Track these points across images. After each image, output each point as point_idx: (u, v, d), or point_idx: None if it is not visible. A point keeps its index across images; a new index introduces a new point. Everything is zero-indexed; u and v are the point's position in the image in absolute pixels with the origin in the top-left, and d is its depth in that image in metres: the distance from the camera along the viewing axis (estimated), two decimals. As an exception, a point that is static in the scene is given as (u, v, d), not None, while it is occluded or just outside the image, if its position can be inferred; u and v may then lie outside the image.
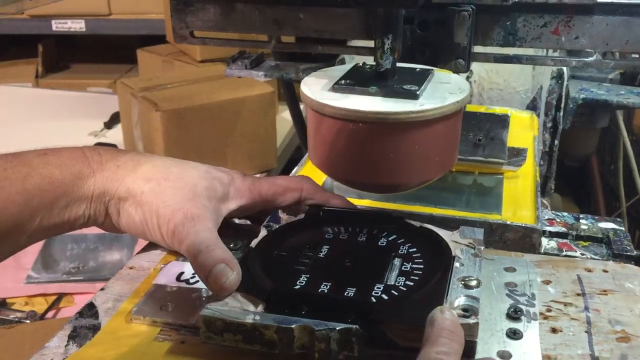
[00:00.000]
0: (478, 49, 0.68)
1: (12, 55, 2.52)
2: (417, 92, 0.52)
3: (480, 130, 0.70)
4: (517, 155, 0.71)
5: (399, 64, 0.56)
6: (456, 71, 0.64)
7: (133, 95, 1.52)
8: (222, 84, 1.56)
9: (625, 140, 1.40)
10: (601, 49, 0.64)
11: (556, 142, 0.93)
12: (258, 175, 1.16)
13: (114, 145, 1.60)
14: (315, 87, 0.55)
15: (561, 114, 0.92)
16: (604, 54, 0.65)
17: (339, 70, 0.57)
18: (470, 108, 0.91)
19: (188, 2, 0.73)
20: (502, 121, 0.70)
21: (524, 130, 0.86)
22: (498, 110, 0.90)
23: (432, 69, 0.57)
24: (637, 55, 0.69)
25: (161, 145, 1.42)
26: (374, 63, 0.55)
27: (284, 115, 1.72)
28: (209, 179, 0.54)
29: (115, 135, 1.75)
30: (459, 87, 0.54)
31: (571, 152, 1.46)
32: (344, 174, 0.55)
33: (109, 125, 1.85)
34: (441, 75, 0.57)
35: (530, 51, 0.69)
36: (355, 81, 0.54)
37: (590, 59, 0.65)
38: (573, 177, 1.57)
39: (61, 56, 2.64)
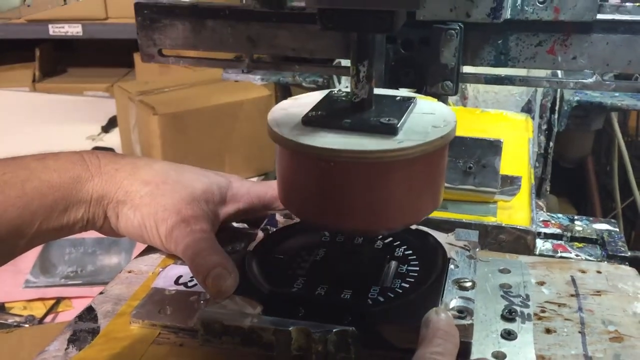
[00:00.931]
0: (467, 69, 0.62)
1: (9, 59, 2.52)
2: (396, 126, 0.45)
3: (471, 157, 0.64)
4: (510, 183, 0.66)
5: (378, 90, 0.50)
6: (444, 94, 0.60)
7: (130, 99, 1.53)
8: (219, 88, 1.56)
9: (620, 142, 1.41)
10: (601, 70, 0.58)
11: (551, 144, 0.94)
12: (255, 179, 1.16)
13: (111, 149, 1.60)
14: (284, 120, 0.47)
15: (556, 116, 0.93)
16: (604, 74, 0.59)
17: (311, 99, 0.51)
18: (465, 111, 0.92)
19: (155, 19, 0.67)
20: (495, 147, 0.63)
21: (519, 133, 0.87)
22: (494, 113, 0.91)
23: (414, 97, 0.51)
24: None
25: (159, 148, 1.43)
26: (349, 90, 0.49)
27: (281, 119, 1.72)
28: (206, 182, 0.55)
29: (113, 139, 1.75)
30: (443, 119, 0.47)
31: (566, 154, 1.47)
32: (313, 217, 0.48)
33: (107, 129, 1.85)
34: (424, 105, 0.50)
35: (523, 71, 0.64)
36: (328, 113, 0.47)
37: (589, 80, 0.60)
38: (569, 178, 1.57)
39: (58, 60, 2.64)
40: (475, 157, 0.64)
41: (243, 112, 1.52)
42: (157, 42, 0.68)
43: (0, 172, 0.49)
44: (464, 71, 0.61)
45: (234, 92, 1.53)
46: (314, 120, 0.47)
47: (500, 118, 0.91)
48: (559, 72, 0.77)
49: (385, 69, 0.60)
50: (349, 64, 0.51)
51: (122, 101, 1.60)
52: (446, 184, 0.52)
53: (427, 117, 0.48)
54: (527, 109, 0.92)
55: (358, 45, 0.46)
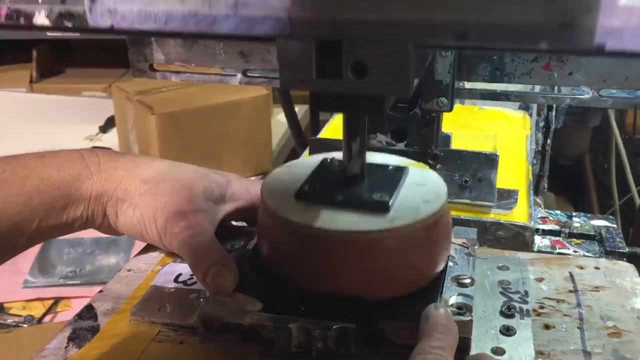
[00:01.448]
0: (463, 85, 0.63)
1: (6, 60, 2.51)
2: (388, 204, 0.46)
3: (467, 170, 0.64)
4: (507, 197, 0.66)
5: (371, 157, 0.51)
6: (439, 110, 0.60)
7: (128, 99, 1.53)
8: (217, 87, 1.56)
9: (618, 139, 1.42)
10: (598, 86, 0.58)
11: (549, 141, 0.94)
12: (254, 178, 1.16)
13: (109, 149, 1.60)
14: (277, 193, 0.49)
15: (553, 113, 0.93)
16: (600, 90, 0.59)
17: (304, 167, 0.52)
18: (463, 108, 0.92)
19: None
20: (490, 161, 0.63)
21: (517, 130, 0.87)
22: (491, 111, 0.91)
23: (406, 168, 0.51)
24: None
25: (157, 148, 1.43)
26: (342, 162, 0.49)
27: (279, 118, 1.72)
28: (206, 181, 0.55)
29: (111, 140, 1.75)
30: (435, 192, 0.48)
31: (564, 151, 1.48)
32: (309, 287, 0.47)
33: (105, 129, 1.85)
34: (416, 174, 0.51)
35: (519, 87, 0.63)
36: (321, 188, 0.48)
37: (586, 96, 0.59)
38: (567, 175, 1.58)
39: (56, 61, 2.64)
40: (471, 170, 0.64)
41: (241, 111, 1.52)
42: (148, 57, 0.67)
43: (0, 170, 0.49)
44: (460, 86, 0.61)
45: (232, 91, 1.53)
46: (307, 194, 0.48)
47: (498, 115, 0.92)
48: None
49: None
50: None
51: (120, 101, 1.60)
52: None
53: (418, 189, 0.49)
54: (525, 106, 0.92)
55: (349, 124, 0.46)
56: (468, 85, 0.64)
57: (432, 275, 0.48)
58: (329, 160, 0.53)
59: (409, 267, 0.46)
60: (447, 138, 0.65)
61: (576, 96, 0.60)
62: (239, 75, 0.67)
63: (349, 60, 0.33)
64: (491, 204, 0.64)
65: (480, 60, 0.59)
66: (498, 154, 0.63)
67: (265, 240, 0.50)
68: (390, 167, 0.51)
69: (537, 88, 0.66)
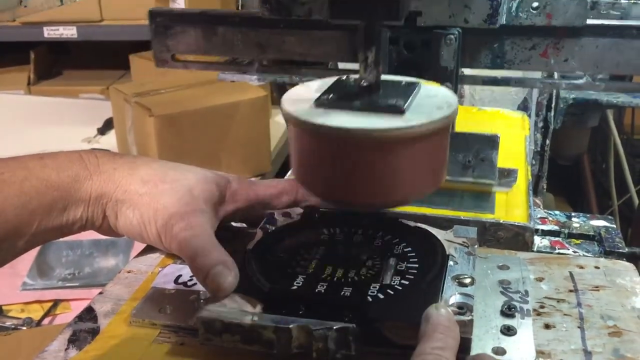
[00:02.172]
0: (466, 71, 0.67)
1: (4, 62, 2.51)
2: (403, 107, 0.48)
3: (470, 151, 0.68)
4: (507, 176, 0.70)
5: (385, 76, 0.53)
6: None
7: (126, 101, 1.53)
8: (215, 89, 1.56)
9: (616, 139, 1.42)
10: (591, 71, 0.63)
11: (547, 141, 0.94)
12: (253, 179, 1.16)
13: (107, 151, 1.59)
14: (297, 103, 0.51)
15: (552, 113, 0.93)
16: (595, 75, 0.64)
17: (322, 84, 0.54)
18: (462, 109, 0.92)
19: (169, 26, 0.71)
20: (492, 142, 0.68)
21: (516, 131, 0.87)
22: (490, 111, 0.91)
23: (419, 82, 0.54)
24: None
25: (155, 150, 1.43)
26: (358, 77, 0.52)
27: (278, 119, 1.72)
28: (205, 181, 0.55)
29: (109, 141, 1.75)
30: (446, 101, 0.51)
31: (563, 152, 1.48)
32: (329, 193, 0.52)
33: (103, 131, 1.85)
34: (428, 89, 0.54)
35: (519, 73, 0.69)
36: (338, 96, 0.51)
37: (580, 81, 0.64)
38: (565, 176, 1.58)
39: (53, 63, 2.63)
40: (473, 151, 0.68)
41: (239, 113, 1.52)
42: (171, 48, 0.72)
43: None
44: (463, 73, 0.65)
45: (231, 93, 1.53)
46: (325, 102, 0.50)
47: (497, 116, 0.92)
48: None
49: (388, 70, 0.63)
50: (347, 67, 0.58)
51: (118, 103, 1.59)
52: (447, 177, 0.55)
53: (431, 99, 0.51)
54: (524, 106, 0.92)
55: (365, 34, 0.49)
56: (471, 72, 0.67)
57: (440, 180, 0.52)
58: (344, 77, 0.55)
59: (422, 168, 0.49)
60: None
61: (572, 81, 0.65)
62: (256, 65, 0.72)
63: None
64: (493, 182, 0.68)
65: (482, 48, 0.63)
66: (499, 135, 0.67)
67: (291, 151, 0.53)
68: (404, 82, 0.54)
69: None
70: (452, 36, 0.61)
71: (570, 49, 0.62)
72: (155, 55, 0.73)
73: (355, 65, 0.54)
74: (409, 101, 0.49)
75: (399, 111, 0.48)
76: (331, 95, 0.51)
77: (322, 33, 0.67)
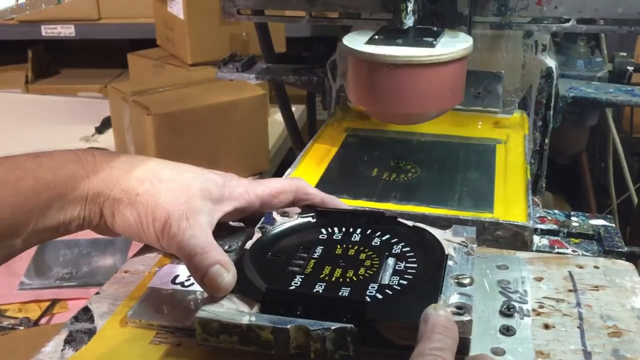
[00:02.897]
0: (477, 18, 0.85)
1: (2, 61, 2.50)
2: (434, 43, 0.69)
3: (479, 85, 0.86)
4: (509, 105, 0.89)
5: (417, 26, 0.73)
6: None
7: (124, 100, 1.52)
8: (213, 87, 1.56)
9: (615, 138, 1.41)
10: (575, 16, 0.84)
11: (546, 140, 0.94)
12: (251, 178, 1.16)
13: (105, 150, 1.59)
14: (355, 41, 0.71)
15: (551, 112, 0.93)
16: (578, 20, 0.84)
17: (369, 32, 0.74)
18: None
19: None
20: (497, 78, 0.87)
21: (515, 129, 0.87)
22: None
23: (444, 29, 0.75)
24: (602, 22, 0.85)
25: (153, 149, 1.42)
26: (397, 25, 0.73)
27: (276, 118, 1.72)
28: (203, 180, 0.54)
29: (107, 140, 1.75)
30: (465, 40, 0.73)
31: (561, 151, 1.47)
32: (378, 107, 0.73)
33: (101, 130, 1.84)
34: (451, 33, 0.75)
35: (518, 19, 0.87)
36: (386, 36, 0.72)
37: (567, 24, 0.85)
38: (564, 175, 1.57)
39: (51, 62, 2.63)
40: (482, 85, 0.87)
41: (237, 111, 1.52)
42: (236, 3, 0.94)
43: None
44: (474, 20, 0.84)
45: (229, 91, 1.53)
46: (376, 40, 0.72)
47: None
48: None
49: (416, 17, 0.77)
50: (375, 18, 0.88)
51: (116, 102, 1.59)
52: (459, 106, 0.79)
53: (453, 40, 0.73)
54: (523, 105, 0.92)
55: None
56: (481, 19, 0.87)
57: (460, 98, 0.75)
58: (386, 25, 0.77)
59: (447, 86, 0.70)
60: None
61: (560, 25, 0.86)
62: (306, 16, 0.93)
63: None
64: (497, 109, 0.87)
65: None
66: (503, 72, 0.88)
67: (350, 78, 0.76)
68: (433, 28, 0.75)
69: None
70: None
71: None
72: (223, 10, 0.94)
73: (386, 16, 0.82)
74: (437, 40, 0.71)
75: (431, 45, 0.69)
76: (380, 36, 0.72)
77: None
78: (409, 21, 0.72)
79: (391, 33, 0.72)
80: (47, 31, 2.31)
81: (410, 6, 0.71)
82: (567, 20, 0.84)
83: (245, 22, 1.01)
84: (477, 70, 0.87)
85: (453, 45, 0.70)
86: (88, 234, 0.56)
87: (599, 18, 0.84)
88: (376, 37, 0.72)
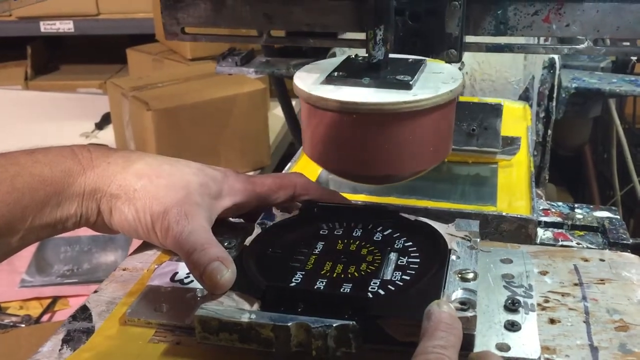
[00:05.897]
0: (470, 38, 0.68)
1: (1, 57, 2.50)
2: (410, 83, 0.51)
3: (474, 120, 0.70)
4: (510, 144, 0.71)
5: (391, 55, 0.56)
6: (448, 61, 0.63)
7: (124, 95, 1.51)
8: (212, 82, 1.55)
9: (618, 129, 1.40)
10: (592, 36, 0.64)
11: (549, 132, 0.93)
12: (251, 173, 1.15)
13: (105, 146, 1.59)
14: (308, 80, 0.54)
15: (554, 103, 0.92)
16: (595, 41, 0.65)
17: (331, 63, 0.57)
18: (463, 99, 0.91)
19: None
20: (495, 110, 0.71)
21: (517, 121, 0.86)
22: (490, 99, 0.90)
23: (424, 60, 0.57)
24: (627, 43, 0.71)
25: (153, 144, 1.42)
26: (366, 55, 0.55)
27: (276, 112, 1.71)
28: (202, 176, 0.54)
29: (107, 136, 1.74)
30: (451, 76, 0.54)
31: (564, 142, 1.46)
32: (338, 166, 0.55)
33: (100, 126, 1.84)
34: (433, 66, 0.57)
35: (521, 40, 0.71)
36: (348, 73, 0.54)
37: (582, 46, 0.65)
38: (567, 167, 1.57)
39: (50, 58, 2.62)
40: (477, 120, 0.70)
41: (237, 106, 1.51)
42: (180, 21, 0.74)
43: None
44: (467, 40, 0.68)
45: (228, 86, 1.52)
46: (336, 78, 0.53)
47: (498, 106, 0.90)
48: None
49: (394, 39, 0.65)
50: (354, 37, 0.63)
51: (115, 97, 1.58)
52: (452, 147, 0.58)
53: (436, 75, 0.54)
54: (525, 96, 0.91)
55: (375, 11, 0.52)
56: (474, 39, 0.69)
57: (447, 152, 0.55)
58: (353, 55, 0.58)
59: (428, 140, 0.52)
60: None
61: (573, 46, 0.67)
62: (264, 36, 0.73)
63: None
64: (496, 150, 0.70)
65: (486, 15, 0.65)
66: (502, 104, 0.71)
67: (303, 127, 0.56)
68: (410, 59, 0.57)
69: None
70: (457, 3, 0.63)
71: (571, 13, 0.63)
72: (165, 28, 0.75)
73: (362, 36, 0.58)
74: (416, 77, 0.52)
75: (407, 86, 0.51)
76: (341, 72, 0.54)
77: (329, 3, 0.68)
78: (379, 53, 0.53)
79: (356, 68, 0.55)
80: (45, 27, 2.31)
81: (379, 34, 0.52)
82: (582, 42, 0.66)
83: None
84: (469, 103, 0.72)
85: (436, 85, 0.52)
86: (89, 231, 0.55)
87: (620, 39, 0.70)
88: (335, 74, 0.53)
